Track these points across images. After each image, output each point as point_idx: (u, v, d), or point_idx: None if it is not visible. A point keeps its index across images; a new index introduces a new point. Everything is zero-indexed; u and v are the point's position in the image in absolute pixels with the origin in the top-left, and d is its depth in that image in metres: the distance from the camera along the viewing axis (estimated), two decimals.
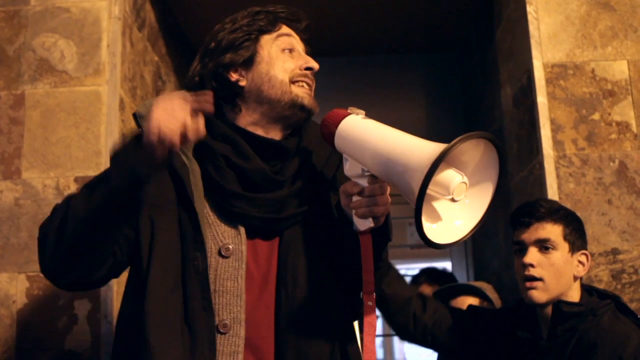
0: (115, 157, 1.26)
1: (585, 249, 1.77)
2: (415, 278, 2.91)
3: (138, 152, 1.20)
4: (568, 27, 2.31)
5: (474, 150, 1.13)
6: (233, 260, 1.31)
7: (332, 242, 1.36)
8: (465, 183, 1.13)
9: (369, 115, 1.32)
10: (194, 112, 1.19)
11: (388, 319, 1.94)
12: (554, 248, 1.71)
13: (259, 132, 1.39)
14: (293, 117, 1.40)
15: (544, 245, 1.71)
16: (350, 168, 1.26)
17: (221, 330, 1.28)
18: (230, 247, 1.31)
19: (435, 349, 2.08)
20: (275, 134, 1.40)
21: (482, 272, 3.25)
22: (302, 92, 1.39)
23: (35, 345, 2.08)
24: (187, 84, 1.44)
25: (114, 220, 1.27)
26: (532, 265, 1.70)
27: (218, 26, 1.46)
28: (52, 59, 2.27)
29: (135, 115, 1.37)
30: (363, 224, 1.24)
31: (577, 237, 1.75)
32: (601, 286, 2.06)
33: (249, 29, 1.41)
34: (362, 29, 3.36)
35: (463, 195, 1.14)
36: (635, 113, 2.24)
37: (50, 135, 2.22)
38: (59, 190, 2.18)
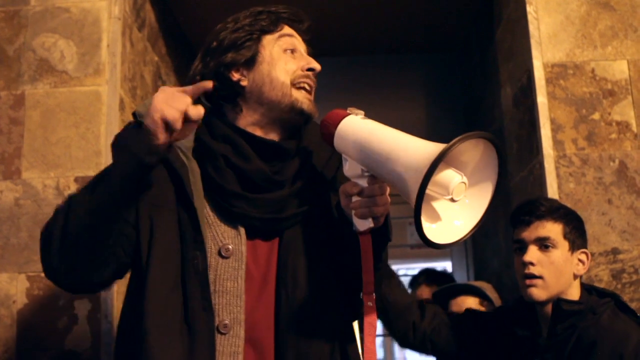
0: (118, 145, 1.25)
1: (586, 248, 1.78)
2: (414, 279, 2.91)
3: (140, 138, 1.20)
4: (568, 27, 2.31)
5: (473, 150, 1.13)
6: (233, 260, 1.31)
7: (332, 243, 1.36)
8: (465, 183, 1.13)
9: (369, 115, 1.32)
10: (193, 98, 1.21)
11: (388, 326, 1.95)
12: (554, 246, 1.71)
13: (259, 132, 1.39)
14: (291, 120, 1.40)
15: (544, 244, 1.72)
16: (349, 168, 1.26)
17: (222, 331, 1.28)
18: (230, 247, 1.31)
19: (435, 356, 2.09)
20: (275, 135, 1.40)
21: (482, 272, 3.25)
22: (302, 97, 1.39)
23: (35, 345, 2.09)
24: (188, 84, 1.44)
25: (117, 215, 1.26)
26: (532, 264, 1.70)
27: (220, 25, 1.45)
28: (52, 59, 2.27)
29: (134, 115, 1.37)
30: (363, 225, 1.23)
31: (577, 235, 1.75)
32: (601, 286, 2.07)
33: (251, 28, 1.40)
34: (362, 29, 3.36)
35: (462, 195, 1.14)
36: (635, 113, 2.24)
37: (50, 135, 2.22)
38: (59, 190, 2.18)
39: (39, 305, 2.12)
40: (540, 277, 1.70)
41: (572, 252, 1.73)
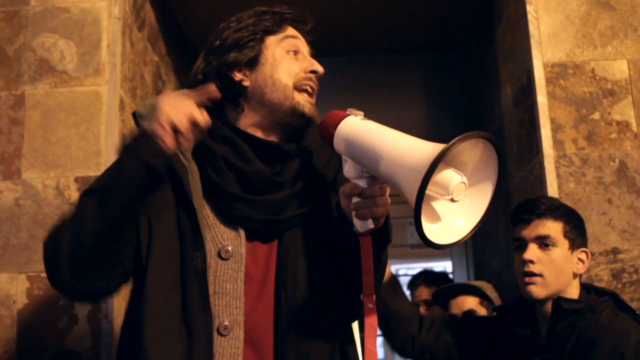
0: (124, 150, 1.25)
1: (586, 247, 1.78)
2: (413, 280, 2.92)
3: (147, 144, 1.20)
4: (568, 27, 2.31)
5: (473, 150, 1.13)
6: (232, 262, 1.31)
7: (332, 243, 1.36)
8: (465, 183, 1.13)
9: (369, 115, 1.32)
10: (199, 104, 1.21)
11: (388, 335, 1.94)
12: (554, 245, 1.72)
13: (259, 134, 1.38)
14: (292, 123, 1.39)
15: (544, 242, 1.72)
16: (349, 169, 1.26)
17: (222, 333, 1.27)
18: (230, 249, 1.31)
19: None
20: (275, 137, 1.40)
21: (482, 272, 3.25)
22: (304, 100, 1.38)
23: (35, 345, 2.09)
24: (190, 82, 1.43)
25: (129, 223, 1.26)
26: (531, 262, 1.70)
27: (223, 24, 1.45)
28: (52, 59, 2.27)
29: (134, 115, 1.37)
30: (363, 225, 1.23)
31: (577, 234, 1.75)
32: (602, 285, 2.07)
33: (255, 28, 1.39)
34: (362, 29, 3.36)
35: (462, 195, 1.14)
36: (635, 112, 2.24)
37: (50, 135, 2.22)
38: (59, 190, 2.18)
39: (39, 305, 2.12)
40: (539, 275, 1.70)
41: (572, 251, 1.74)
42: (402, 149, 1.14)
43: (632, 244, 2.15)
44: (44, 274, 2.11)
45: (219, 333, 1.27)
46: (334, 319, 1.37)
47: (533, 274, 1.70)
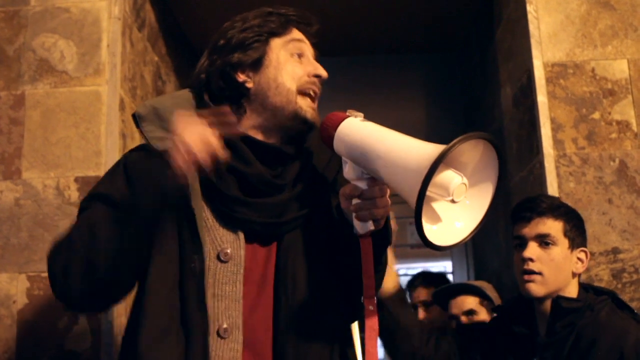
0: (141, 178, 1.25)
1: (585, 247, 1.78)
2: (411, 281, 2.91)
3: (165, 170, 1.20)
4: (568, 27, 2.31)
5: (473, 151, 1.12)
6: (231, 264, 1.30)
7: (332, 245, 1.35)
8: (465, 184, 1.13)
9: (369, 115, 1.31)
10: (216, 132, 1.21)
11: (391, 347, 1.93)
12: (554, 244, 1.72)
13: (260, 136, 1.38)
14: (294, 127, 1.38)
15: (544, 241, 1.72)
16: (349, 171, 1.25)
17: (222, 335, 1.27)
18: (229, 251, 1.30)
19: None
20: (276, 139, 1.39)
21: (482, 271, 3.25)
22: (306, 105, 1.37)
23: (35, 345, 2.09)
24: (193, 81, 1.43)
25: (146, 242, 1.27)
26: (531, 260, 1.70)
27: (228, 24, 1.43)
28: (52, 59, 2.27)
29: (134, 116, 1.37)
30: (363, 227, 1.23)
31: (577, 234, 1.75)
32: (602, 285, 2.07)
33: (260, 30, 1.38)
34: (362, 29, 3.36)
35: (463, 196, 1.13)
36: (635, 112, 2.24)
37: (50, 135, 2.22)
38: (59, 190, 2.18)
39: (39, 305, 2.12)
40: (539, 274, 1.70)
41: (572, 250, 1.74)
42: (402, 150, 1.14)
43: (632, 244, 2.15)
44: (44, 274, 2.12)
45: (218, 336, 1.27)
46: (333, 320, 1.36)
47: (533, 272, 1.70)
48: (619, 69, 2.27)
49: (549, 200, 1.80)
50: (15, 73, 2.27)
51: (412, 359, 1.88)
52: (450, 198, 1.12)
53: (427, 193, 1.05)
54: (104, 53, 2.27)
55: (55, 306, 2.10)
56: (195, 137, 1.19)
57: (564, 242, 1.73)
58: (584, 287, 1.77)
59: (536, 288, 1.70)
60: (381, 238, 1.28)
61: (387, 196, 1.22)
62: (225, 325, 1.27)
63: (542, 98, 2.24)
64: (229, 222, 1.32)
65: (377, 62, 3.68)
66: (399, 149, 1.15)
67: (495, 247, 2.93)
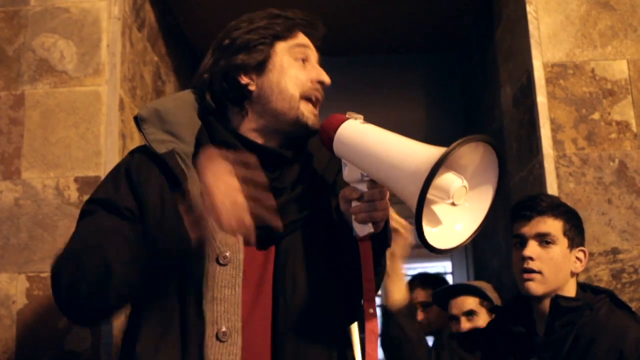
0: (166, 226, 1.24)
1: (583, 246, 1.78)
2: (409, 282, 2.91)
3: (188, 221, 1.20)
4: (568, 27, 2.31)
5: (473, 154, 1.12)
6: (230, 268, 1.30)
7: (332, 246, 1.35)
8: (465, 187, 1.12)
9: (369, 115, 1.31)
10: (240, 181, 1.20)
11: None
12: (554, 243, 1.72)
13: (259, 140, 1.37)
14: (294, 132, 1.38)
15: (544, 240, 1.72)
16: (349, 173, 1.25)
17: (221, 339, 1.27)
18: (228, 255, 1.30)
19: None
20: (275, 143, 1.39)
21: (482, 272, 3.25)
22: (308, 111, 1.37)
23: (35, 346, 2.08)
24: (196, 80, 1.42)
25: (158, 277, 1.28)
26: (531, 258, 1.71)
27: (234, 23, 1.43)
28: (52, 59, 2.27)
29: (136, 119, 1.36)
30: (362, 230, 1.22)
31: (576, 233, 1.76)
32: (601, 285, 2.07)
33: (265, 32, 1.37)
34: (362, 29, 3.36)
35: (463, 199, 1.13)
36: (635, 112, 2.24)
37: (50, 135, 2.22)
38: (58, 190, 2.17)
39: (39, 305, 2.12)
40: (539, 272, 1.70)
41: (571, 250, 1.74)
42: (403, 152, 1.14)
43: (631, 244, 2.15)
44: (43, 274, 2.12)
45: (217, 339, 1.27)
46: (332, 322, 1.36)
47: (532, 271, 1.70)
48: (619, 69, 2.27)
49: (548, 199, 1.80)
50: (15, 73, 2.27)
51: None
52: (451, 201, 1.12)
53: (428, 196, 1.04)
54: (104, 53, 2.27)
55: (55, 307, 2.10)
56: (226, 198, 1.17)
57: (563, 242, 1.73)
58: (581, 287, 1.78)
59: (535, 287, 1.70)
60: (380, 241, 1.28)
61: (387, 199, 1.22)
62: (224, 329, 1.26)
63: (541, 98, 2.24)
64: None
65: (377, 62, 3.68)
66: (399, 151, 1.15)
67: (494, 247, 2.93)
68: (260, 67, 1.37)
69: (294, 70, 1.37)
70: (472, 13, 3.19)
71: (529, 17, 2.31)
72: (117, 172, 1.37)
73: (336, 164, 1.37)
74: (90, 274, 1.21)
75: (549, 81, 2.26)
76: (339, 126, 1.27)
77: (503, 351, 1.82)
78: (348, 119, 1.28)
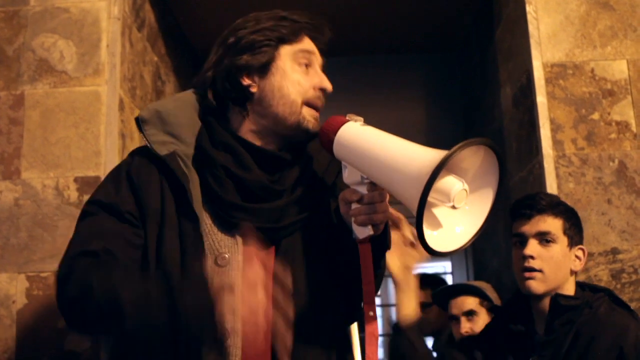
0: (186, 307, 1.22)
1: (582, 244, 1.78)
2: None
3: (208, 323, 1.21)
4: (567, 27, 2.31)
5: (473, 157, 1.12)
6: (229, 269, 1.30)
7: (331, 248, 1.35)
8: (466, 190, 1.12)
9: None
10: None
11: None
12: (554, 241, 1.72)
13: (258, 142, 1.37)
14: (294, 137, 1.38)
15: (544, 238, 1.72)
16: (349, 175, 1.25)
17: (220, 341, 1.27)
18: (227, 256, 1.30)
19: None
20: (274, 145, 1.39)
21: (481, 272, 3.25)
22: (310, 115, 1.36)
23: (35, 346, 2.08)
24: (199, 77, 1.41)
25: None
26: (532, 257, 1.71)
27: (240, 21, 1.41)
28: (52, 59, 2.27)
29: (137, 120, 1.36)
30: (362, 232, 1.22)
31: (575, 232, 1.76)
32: (601, 285, 2.07)
33: (271, 34, 1.36)
34: (362, 29, 3.36)
35: (463, 202, 1.13)
36: (634, 113, 2.24)
37: (49, 135, 2.22)
38: (58, 190, 2.18)
39: (39, 305, 2.12)
40: (539, 271, 1.70)
41: (570, 248, 1.75)
42: (403, 155, 1.14)
43: (631, 244, 2.15)
44: (43, 274, 2.13)
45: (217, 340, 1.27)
46: (332, 323, 1.36)
47: (533, 270, 1.70)
48: (619, 69, 2.27)
49: (548, 197, 1.80)
50: (14, 73, 2.27)
51: None
52: (451, 204, 1.12)
53: (428, 199, 1.04)
54: (104, 53, 2.27)
55: (55, 306, 2.10)
56: (254, 309, 1.20)
57: (563, 240, 1.74)
58: (580, 286, 1.78)
59: (536, 285, 1.71)
60: (380, 243, 1.28)
61: (387, 201, 1.22)
62: (223, 331, 1.26)
63: (541, 99, 2.24)
64: (227, 226, 1.32)
65: (377, 62, 3.68)
66: (400, 154, 1.14)
67: (494, 247, 2.93)
68: (263, 70, 1.36)
69: (296, 76, 1.36)
70: (472, 13, 3.19)
71: (529, 17, 2.31)
72: (117, 174, 1.37)
73: (336, 165, 1.36)
74: (97, 300, 1.21)
75: (548, 81, 2.26)
76: (339, 128, 1.27)
77: (503, 350, 1.82)
78: (348, 121, 1.28)
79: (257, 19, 1.40)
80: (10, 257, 2.14)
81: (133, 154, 1.41)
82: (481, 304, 2.35)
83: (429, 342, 2.77)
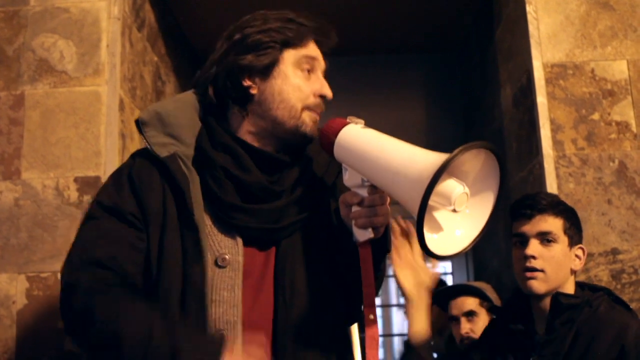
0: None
1: (582, 244, 1.79)
2: None
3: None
4: (567, 27, 2.31)
5: (474, 160, 1.12)
6: (230, 270, 1.30)
7: (331, 249, 1.35)
8: (467, 193, 1.12)
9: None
10: None
11: None
12: (555, 241, 1.72)
13: (256, 143, 1.37)
14: (291, 140, 1.38)
15: (545, 238, 1.72)
16: (349, 178, 1.25)
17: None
18: (227, 257, 1.30)
19: None
20: (271, 147, 1.39)
21: (481, 272, 3.25)
22: (309, 119, 1.36)
23: (35, 346, 2.09)
24: (202, 72, 1.41)
25: None
26: (534, 257, 1.71)
27: (248, 18, 1.40)
28: (52, 59, 2.27)
29: (137, 122, 1.36)
30: (363, 235, 1.22)
31: (575, 231, 1.77)
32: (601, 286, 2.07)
33: (277, 36, 1.36)
34: (362, 29, 3.36)
35: (464, 205, 1.13)
36: (634, 113, 2.24)
37: (49, 135, 2.22)
38: (58, 190, 2.18)
39: (39, 305, 2.12)
40: (541, 271, 1.70)
41: (571, 248, 1.75)
42: (404, 158, 1.13)
43: (631, 245, 2.15)
44: (43, 274, 2.12)
45: None
46: (332, 323, 1.36)
47: (535, 269, 1.70)
48: (619, 69, 2.27)
49: (548, 197, 1.80)
50: (14, 73, 2.27)
51: None
52: (452, 207, 1.11)
53: (429, 202, 1.04)
54: (104, 53, 2.27)
55: (55, 307, 2.10)
56: None
57: (564, 240, 1.74)
58: (579, 285, 1.78)
59: (538, 285, 1.71)
60: (380, 246, 1.28)
61: (388, 204, 1.22)
62: (223, 331, 1.26)
63: (541, 99, 2.24)
64: (226, 227, 1.32)
65: (377, 62, 3.68)
66: (401, 157, 1.14)
67: (495, 247, 2.93)
68: (265, 72, 1.36)
69: (297, 81, 1.36)
70: (472, 13, 3.19)
71: (529, 17, 2.31)
72: (119, 176, 1.37)
73: (336, 166, 1.36)
74: (98, 331, 1.22)
75: (548, 81, 2.26)
76: (339, 130, 1.27)
77: (503, 351, 1.82)
78: (349, 123, 1.28)
79: (265, 18, 1.39)
80: (11, 258, 2.14)
81: (134, 155, 1.41)
82: (481, 304, 2.34)
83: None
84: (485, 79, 3.07)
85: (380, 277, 1.36)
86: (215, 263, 1.29)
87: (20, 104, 2.24)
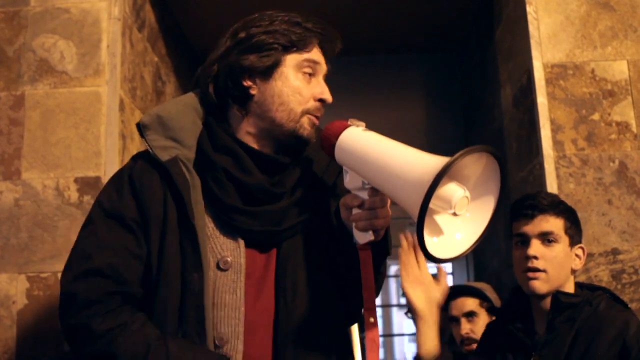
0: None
1: (581, 243, 1.79)
2: None
3: None
4: (568, 27, 2.31)
5: (475, 164, 1.12)
6: (231, 273, 1.30)
7: (331, 250, 1.35)
8: (467, 197, 1.12)
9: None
10: None
11: None
12: (556, 241, 1.72)
13: (254, 145, 1.37)
14: (290, 142, 1.38)
15: (547, 238, 1.72)
16: (350, 180, 1.25)
17: (217, 344, 1.26)
18: (229, 259, 1.30)
19: None
20: (269, 148, 1.39)
21: (481, 272, 3.25)
22: (307, 123, 1.36)
23: (35, 346, 2.09)
24: (204, 68, 1.41)
25: None
26: (535, 257, 1.71)
27: (254, 17, 1.40)
28: (52, 60, 2.27)
29: (139, 126, 1.36)
30: (363, 237, 1.22)
31: (575, 231, 1.77)
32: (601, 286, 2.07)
33: (282, 38, 1.36)
34: (362, 29, 3.36)
35: (465, 209, 1.13)
36: (635, 113, 2.24)
37: (50, 136, 2.22)
38: (58, 190, 2.18)
39: (39, 305, 2.12)
40: (543, 271, 1.70)
41: (571, 248, 1.75)
42: (405, 161, 1.13)
43: (631, 245, 2.15)
44: (43, 275, 2.13)
45: (215, 345, 1.26)
46: (332, 325, 1.36)
47: (537, 270, 1.70)
48: (619, 70, 2.27)
49: (549, 197, 1.80)
50: (15, 73, 2.27)
51: None
52: (452, 211, 1.11)
53: (429, 205, 1.04)
54: (104, 54, 2.27)
55: (55, 307, 2.10)
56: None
57: (565, 240, 1.74)
58: (578, 285, 1.79)
59: (540, 285, 1.71)
60: (380, 248, 1.28)
61: (388, 207, 1.22)
62: (223, 335, 1.26)
63: (541, 99, 2.24)
64: (228, 230, 1.32)
65: (377, 62, 3.68)
66: (402, 160, 1.14)
67: (494, 247, 2.93)
68: (266, 73, 1.36)
69: (298, 84, 1.36)
70: (472, 13, 3.19)
71: (529, 17, 2.31)
72: (120, 179, 1.37)
73: (336, 166, 1.36)
74: (95, 351, 1.24)
75: (549, 82, 2.26)
76: (340, 133, 1.27)
77: (503, 351, 1.82)
78: (350, 125, 1.28)
79: (272, 19, 1.38)
80: (11, 258, 2.14)
81: (135, 158, 1.41)
82: (481, 305, 2.35)
83: None
84: (485, 79, 3.07)
85: (380, 279, 1.36)
86: (217, 266, 1.29)
87: (21, 104, 2.24)
